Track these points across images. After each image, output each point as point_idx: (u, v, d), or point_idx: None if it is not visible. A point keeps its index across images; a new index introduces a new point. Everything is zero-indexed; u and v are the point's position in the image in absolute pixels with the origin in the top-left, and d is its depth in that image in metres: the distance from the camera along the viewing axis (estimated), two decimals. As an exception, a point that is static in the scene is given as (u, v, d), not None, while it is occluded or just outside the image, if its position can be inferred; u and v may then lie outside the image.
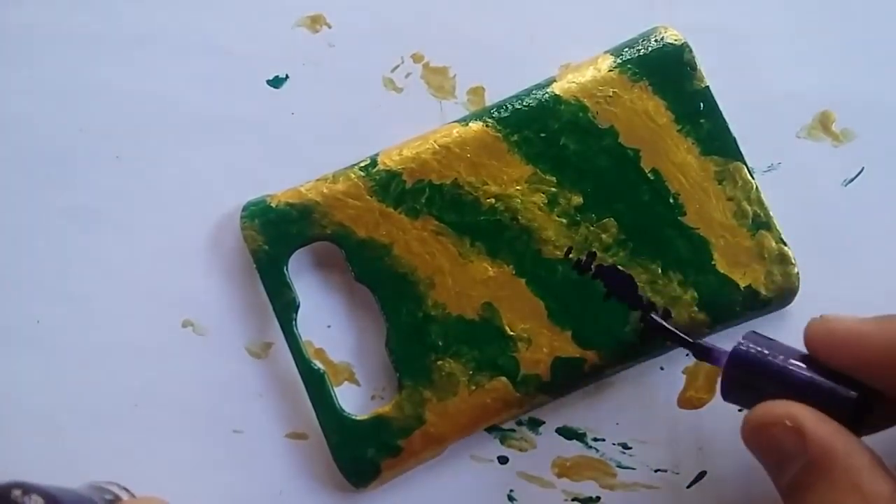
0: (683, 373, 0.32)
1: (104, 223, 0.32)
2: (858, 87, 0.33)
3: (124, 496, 0.25)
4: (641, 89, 0.31)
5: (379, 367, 0.32)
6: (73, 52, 0.33)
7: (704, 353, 0.28)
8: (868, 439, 0.24)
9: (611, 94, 0.31)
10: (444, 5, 0.33)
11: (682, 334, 0.29)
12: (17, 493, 0.21)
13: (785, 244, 0.31)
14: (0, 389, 0.32)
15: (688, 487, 0.31)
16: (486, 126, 0.31)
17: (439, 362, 0.31)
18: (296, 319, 0.31)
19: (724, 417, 0.32)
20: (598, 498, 0.31)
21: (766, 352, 0.26)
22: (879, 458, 0.23)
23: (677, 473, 0.31)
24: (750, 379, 0.26)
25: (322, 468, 0.31)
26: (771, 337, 0.26)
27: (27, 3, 0.33)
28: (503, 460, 0.32)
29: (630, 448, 0.32)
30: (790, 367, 0.25)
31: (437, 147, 0.31)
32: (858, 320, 0.24)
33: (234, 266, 0.32)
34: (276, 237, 0.31)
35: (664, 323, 0.30)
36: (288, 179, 0.31)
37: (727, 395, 0.26)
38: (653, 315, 0.30)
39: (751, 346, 0.26)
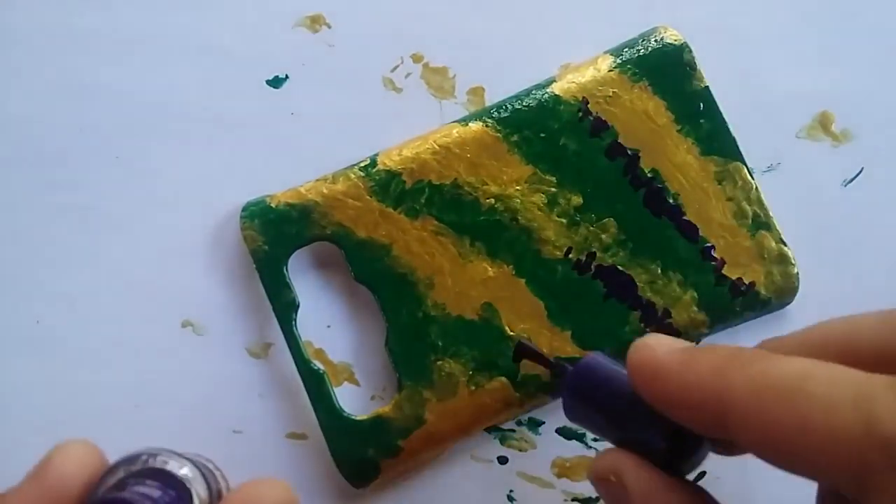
0: (683, 373, 0.32)
1: (104, 223, 0.32)
2: (858, 87, 0.33)
3: (218, 475, 0.25)
4: (641, 89, 0.31)
5: (379, 367, 0.32)
6: (73, 52, 0.33)
7: (560, 374, 0.26)
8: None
9: (611, 94, 0.31)
10: (444, 5, 0.33)
11: (546, 357, 0.28)
12: (172, 463, 0.22)
13: (785, 244, 0.31)
14: (0, 389, 0.32)
15: (687, 487, 0.31)
16: (486, 126, 0.31)
17: (439, 362, 0.31)
18: (296, 319, 0.31)
19: (723, 417, 0.32)
20: (598, 498, 0.31)
21: (599, 383, 0.24)
22: (704, 497, 0.22)
23: (677, 473, 0.31)
24: (584, 408, 0.25)
25: (322, 468, 0.31)
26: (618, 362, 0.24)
27: (27, 4, 0.33)
28: (503, 460, 0.32)
29: (630, 448, 0.32)
30: (615, 407, 0.24)
31: (436, 147, 0.31)
32: (672, 350, 0.22)
33: (234, 266, 0.32)
34: (276, 237, 0.31)
35: (532, 346, 0.29)
36: (288, 179, 0.31)
37: (569, 417, 0.25)
38: (522, 341, 0.29)
39: (584, 376, 0.24)
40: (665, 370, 0.21)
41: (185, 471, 0.22)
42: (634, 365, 0.22)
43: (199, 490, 0.22)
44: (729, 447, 0.23)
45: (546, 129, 0.31)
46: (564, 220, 0.31)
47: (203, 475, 0.22)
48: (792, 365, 0.19)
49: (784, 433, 0.18)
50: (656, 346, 0.22)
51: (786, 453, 0.18)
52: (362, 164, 0.31)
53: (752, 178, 0.31)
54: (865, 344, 0.20)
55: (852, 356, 0.19)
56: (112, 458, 0.23)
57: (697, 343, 0.32)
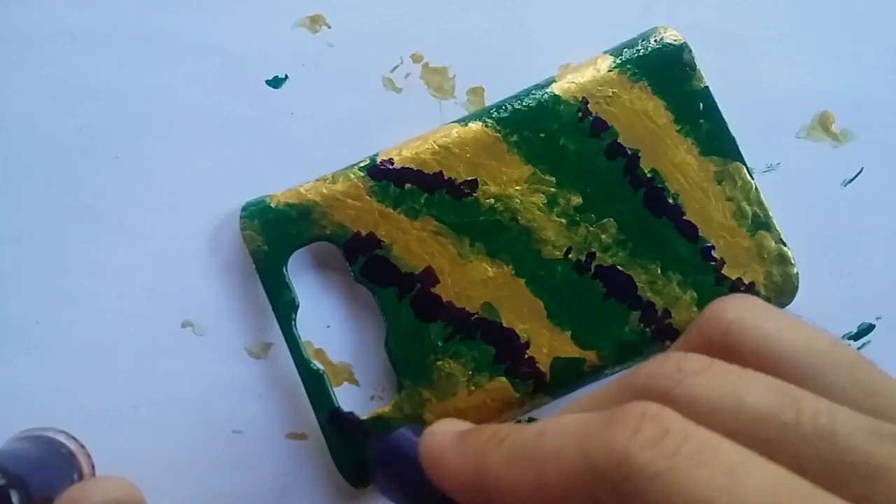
0: (683, 373, 0.32)
1: (104, 223, 0.32)
2: (858, 87, 0.33)
3: (72, 445, 0.25)
4: (641, 89, 0.31)
5: (379, 367, 0.32)
6: (73, 52, 0.33)
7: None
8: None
9: (610, 94, 0.31)
10: (444, 5, 0.33)
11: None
12: None
13: (784, 244, 0.31)
14: (0, 389, 0.32)
15: (687, 487, 0.31)
16: (486, 126, 0.31)
17: (439, 362, 0.31)
18: (295, 319, 0.31)
19: (723, 417, 0.32)
20: (598, 498, 0.31)
21: (402, 464, 0.23)
22: None
23: (677, 473, 0.31)
24: (391, 487, 0.24)
25: (322, 468, 0.31)
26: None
27: (27, 3, 0.33)
28: (503, 460, 0.32)
29: (630, 448, 0.32)
30: (416, 490, 0.23)
31: (436, 147, 0.31)
32: (450, 435, 0.21)
33: (234, 266, 0.32)
34: (276, 237, 0.31)
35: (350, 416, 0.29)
36: (288, 179, 0.32)
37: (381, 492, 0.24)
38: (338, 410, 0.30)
39: (389, 456, 0.23)
40: (444, 455, 0.21)
41: (1, 482, 0.22)
42: (422, 452, 0.22)
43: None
44: None
45: (546, 129, 0.31)
46: (564, 220, 0.31)
47: (22, 479, 0.22)
48: (531, 427, 0.19)
49: (529, 494, 0.18)
50: (439, 432, 0.22)
51: None
52: (362, 164, 0.31)
53: (752, 178, 0.31)
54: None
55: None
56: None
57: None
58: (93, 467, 0.26)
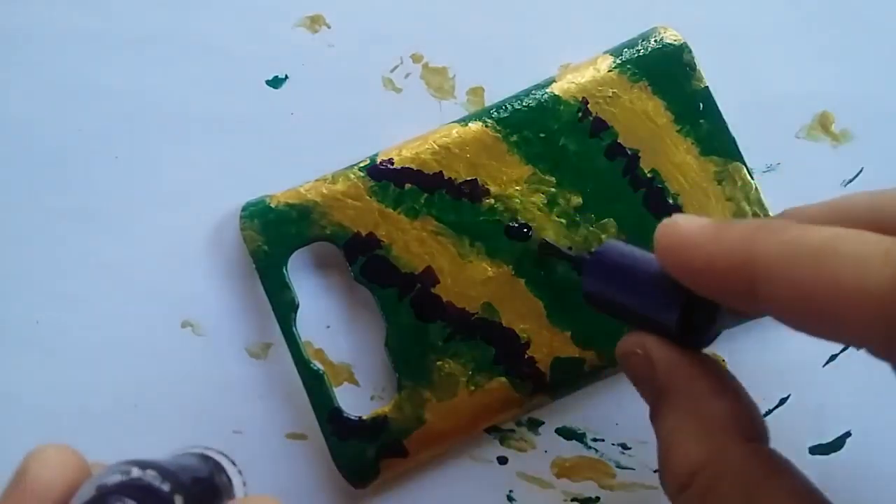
0: (683, 373, 0.32)
1: (104, 223, 0.32)
2: (858, 87, 0.33)
3: (225, 463, 0.25)
4: (641, 89, 0.31)
5: (379, 368, 0.32)
6: (73, 52, 0.33)
7: (580, 265, 0.27)
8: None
9: (610, 94, 0.31)
10: (444, 5, 0.33)
11: (566, 251, 0.29)
12: (137, 471, 0.21)
13: (784, 244, 0.31)
14: (0, 389, 0.32)
15: (687, 487, 0.31)
16: (486, 126, 0.31)
17: (439, 362, 0.31)
18: (295, 320, 0.31)
19: (723, 417, 0.32)
20: (598, 498, 0.31)
21: (616, 267, 0.25)
22: (723, 376, 0.23)
23: (677, 473, 0.31)
24: (604, 293, 0.25)
25: (322, 468, 0.31)
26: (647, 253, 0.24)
27: (27, 3, 0.33)
28: (503, 461, 0.32)
29: (629, 448, 0.32)
30: (633, 288, 0.24)
31: (436, 147, 0.31)
32: (702, 225, 0.22)
33: (233, 266, 0.32)
34: (276, 237, 0.31)
35: (554, 243, 0.30)
36: (288, 179, 0.32)
37: (588, 303, 0.26)
38: (546, 240, 0.30)
39: (603, 262, 0.25)
40: (693, 243, 0.21)
41: (166, 486, 0.21)
42: (663, 241, 0.22)
43: None
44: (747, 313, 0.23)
45: (546, 130, 0.31)
46: (564, 221, 0.31)
47: (186, 487, 0.22)
48: (822, 229, 0.19)
49: (813, 292, 0.18)
50: (684, 223, 0.22)
51: (814, 313, 0.18)
52: (362, 164, 0.31)
53: (752, 178, 0.31)
54: (889, 215, 0.20)
55: (876, 227, 0.19)
56: (108, 460, 0.23)
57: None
58: (245, 492, 0.26)
